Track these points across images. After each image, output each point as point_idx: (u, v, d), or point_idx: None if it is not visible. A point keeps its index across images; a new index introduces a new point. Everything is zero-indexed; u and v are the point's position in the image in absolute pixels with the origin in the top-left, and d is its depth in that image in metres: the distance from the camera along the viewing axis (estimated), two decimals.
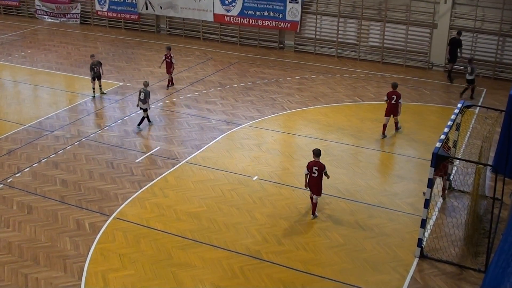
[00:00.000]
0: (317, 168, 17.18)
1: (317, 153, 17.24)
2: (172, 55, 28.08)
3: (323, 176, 17.26)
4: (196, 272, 15.10)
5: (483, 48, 30.61)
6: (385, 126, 22.96)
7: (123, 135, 22.97)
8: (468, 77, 26.78)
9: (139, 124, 23.64)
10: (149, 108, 24.02)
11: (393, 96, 22.73)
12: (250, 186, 19.30)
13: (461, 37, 29.21)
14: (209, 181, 19.59)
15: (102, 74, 27.42)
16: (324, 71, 31.47)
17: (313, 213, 17.58)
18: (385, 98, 22.99)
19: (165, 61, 28.04)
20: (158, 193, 18.86)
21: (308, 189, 17.55)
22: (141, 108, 23.83)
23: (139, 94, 23.61)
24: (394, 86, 23.04)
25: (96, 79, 27.15)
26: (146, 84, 23.85)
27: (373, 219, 17.57)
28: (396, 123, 23.31)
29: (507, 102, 19.87)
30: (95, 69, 26.97)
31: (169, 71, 28.17)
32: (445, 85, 29.48)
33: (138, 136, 22.94)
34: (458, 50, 29.47)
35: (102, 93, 27.59)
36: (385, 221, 17.47)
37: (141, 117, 23.80)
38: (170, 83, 28.56)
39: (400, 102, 22.82)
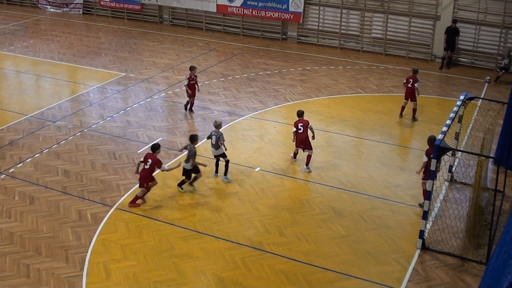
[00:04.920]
0: (302, 125, 19.44)
1: (299, 113, 19.86)
2: (196, 74, 24.33)
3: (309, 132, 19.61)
4: (198, 263, 15.12)
5: (486, 40, 30.54)
6: (403, 108, 24.01)
7: (125, 126, 22.96)
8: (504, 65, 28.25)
9: (225, 174, 19.17)
10: (225, 150, 19.06)
11: (410, 80, 23.41)
12: (252, 177, 19.30)
13: (459, 28, 29.86)
14: (211, 172, 19.57)
15: None
16: (326, 62, 31.42)
17: (307, 164, 19.85)
18: (404, 81, 23.87)
19: (188, 84, 23.95)
20: (160, 184, 18.86)
21: (295, 145, 19.93)
22: (215, 156, 19.33)
23: (210, 138, 19.05)
24: (414, 71, 23.73)
25: None
26: (218, 125, 19.13)
27: (375, 210, 17.58)
28: (414, 110, 23.74)
29: (510, 94, 19.84)
30: None
31: (194, 94, 24.22)
32: (448, 77, 29.45)
33: (141, 127, 22.89)
34: (456, 39, 29.78)
35: None
36: (387, 212, 17.49)
37: (224, 165, 19.11)
38: (190, 107, 24.51)
39: (415, 86, 23.36)
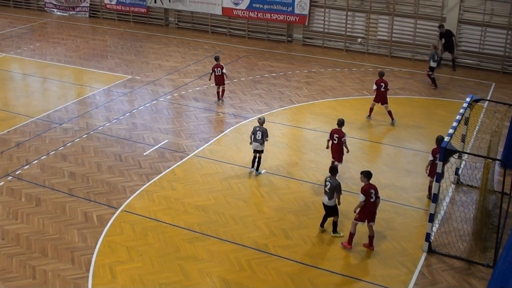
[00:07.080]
0: (337, 136, 18.85)
1: (339, 123, 19.08)
2: (222, 65, 25.56)
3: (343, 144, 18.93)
4: (203, 265, 15.12)
5: (492, 42, 30.48)
6: (371, 109, 24.01)
7: (131, 128, 22.99)
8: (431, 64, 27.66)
9: (257, 169, 19.75)
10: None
11: (381, 84, 23.36)
12: (257, 180, 19.30)
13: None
14: (216, 174, 19.59)
15: None
16: (332, 64, 31.41)
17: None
18: (375, 87, 23.48)
19: (213, 73, 25.32)
20: (166, 186, 18.88)
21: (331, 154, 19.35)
22: (256, 151, 19.62)
23: (255, 133, 19.49)
24: (381, 74, 23.74)
25: None
26: (262, 122, 19.65)
27: (380, 213, 17.49)
28: (389, 112, 23.65)
29: None
30: None
31: (222, 82, 25.52)
32: (453, 79, 29.37)
33: (147, 129, 22.93)
34: (453, 39, 29.99)
35: None
36: (393, 215, 17.45)
37: (256, 160, 19.72)
38: (221, 96, 25.88)
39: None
